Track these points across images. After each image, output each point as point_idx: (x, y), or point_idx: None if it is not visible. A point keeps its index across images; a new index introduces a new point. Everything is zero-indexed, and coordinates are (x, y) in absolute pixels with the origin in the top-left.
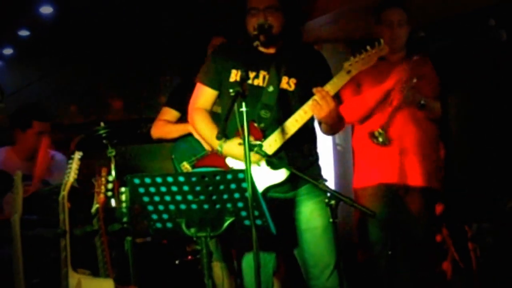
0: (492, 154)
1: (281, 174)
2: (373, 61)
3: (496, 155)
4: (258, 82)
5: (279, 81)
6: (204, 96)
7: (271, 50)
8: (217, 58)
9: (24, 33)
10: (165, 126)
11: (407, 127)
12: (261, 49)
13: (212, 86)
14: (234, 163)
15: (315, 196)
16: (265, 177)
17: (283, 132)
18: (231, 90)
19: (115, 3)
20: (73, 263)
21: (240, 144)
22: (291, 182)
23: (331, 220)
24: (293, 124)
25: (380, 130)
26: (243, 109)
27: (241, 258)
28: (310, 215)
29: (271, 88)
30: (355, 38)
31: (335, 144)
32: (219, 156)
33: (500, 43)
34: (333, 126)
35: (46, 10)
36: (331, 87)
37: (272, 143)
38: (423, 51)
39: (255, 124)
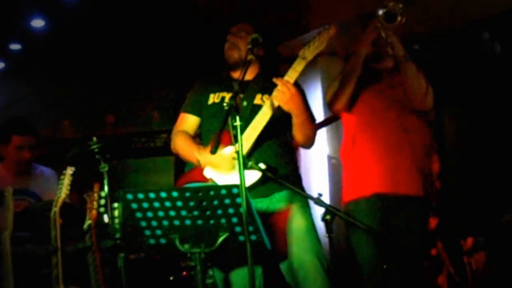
0: (487, 168)
1: (256, 173)
2: (324, 44)
3: (491, 169)
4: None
5: (253, 98)
6: (185, 122)
7: (247, 76)
8: (197, 88)
9: (15, 46)
10: None
11: (398, 134)
12: (235, 75)
13: (193, 113)
14: (212, 175)
15: (296, 201)
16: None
17: (253, 128)
18: (224, 104)
19: (107, 18)
20: (65, 280)
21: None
22: (266, 185)
23: (327, 235)
24: (262, 117)
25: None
26: (237, 123)
27: (229, 273)
28: (292, 217)
29: (245, 103)
30: (351, 50)
31: (329, 158)
32: (201, 173)
33: (494, 56)
34: (304, 121)
35: (38, 23)
36: (291, 73)
37: (243, 143)
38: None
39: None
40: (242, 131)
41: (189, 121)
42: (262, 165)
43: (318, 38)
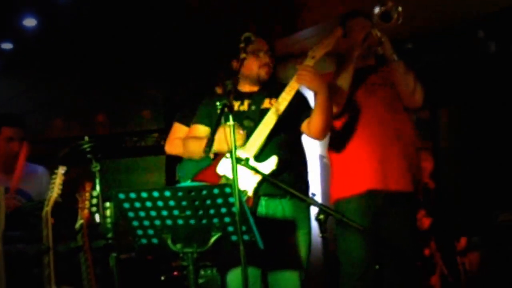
0: (482, 167)
1: (272, 162)
2: (331, 45)
3: (486, 169)
4: (244, 108)
5: (261, 102)
6: (196, 131)
7: (255, 88)
8: (206, 101)
9: (7, 46)
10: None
11: (387, 130)
12: (245, 88)
13: (203, 123)
14: (225, 171)
15: (303, 226)
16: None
17: (268, 118)
18: (218, 104)
19: (99, 17)
20: (56, 280)
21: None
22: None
23: (321, 235)
24: (281, 103)
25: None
26: (231, 122)
27: (225, 273)
28: (300, 244)
29: (253, 107)
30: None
31: (321, 158)
32: (214, 172)
33: (489, 55)
34: (327, 99)
35: (30, 22)
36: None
37: (256, 136)
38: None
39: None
40: (252, 131)
41: (199, 131)
42: (275, 158)
43: (326, 39)
